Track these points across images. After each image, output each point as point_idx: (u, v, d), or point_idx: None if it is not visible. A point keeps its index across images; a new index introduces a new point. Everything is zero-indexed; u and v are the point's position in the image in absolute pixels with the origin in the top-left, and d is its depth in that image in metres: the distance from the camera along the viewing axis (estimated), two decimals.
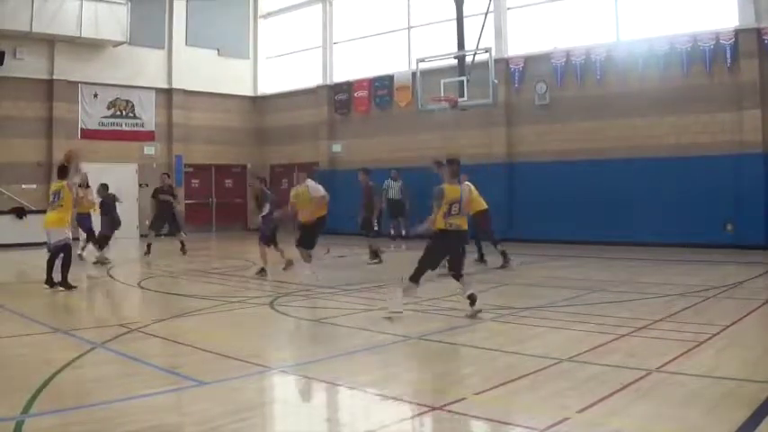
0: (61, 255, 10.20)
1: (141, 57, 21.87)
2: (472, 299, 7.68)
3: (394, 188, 17.90)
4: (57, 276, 10.18)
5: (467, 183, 9.34)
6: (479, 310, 7.66)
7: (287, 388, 5.53)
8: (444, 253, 8.26)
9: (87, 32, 19.87)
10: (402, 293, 7.88)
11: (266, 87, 25.12)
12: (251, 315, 8.57)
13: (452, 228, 7.82)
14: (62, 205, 10.40)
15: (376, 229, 14.50)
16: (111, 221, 14.59)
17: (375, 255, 13.59)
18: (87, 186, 14.32)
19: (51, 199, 10.53)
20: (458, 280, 7.96)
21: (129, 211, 21.44)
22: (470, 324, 7.47)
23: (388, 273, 12.35)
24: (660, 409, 4.46)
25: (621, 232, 15.58)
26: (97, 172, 20.76)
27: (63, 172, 10.82)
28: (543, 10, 17.84)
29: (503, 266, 12.11)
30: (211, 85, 23.50)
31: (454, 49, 14.51)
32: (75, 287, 10.31)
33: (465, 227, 8.03)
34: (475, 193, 10.87)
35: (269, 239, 12.26)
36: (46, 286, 10.15)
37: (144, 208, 21.92)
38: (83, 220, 14.29)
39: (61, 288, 10.14)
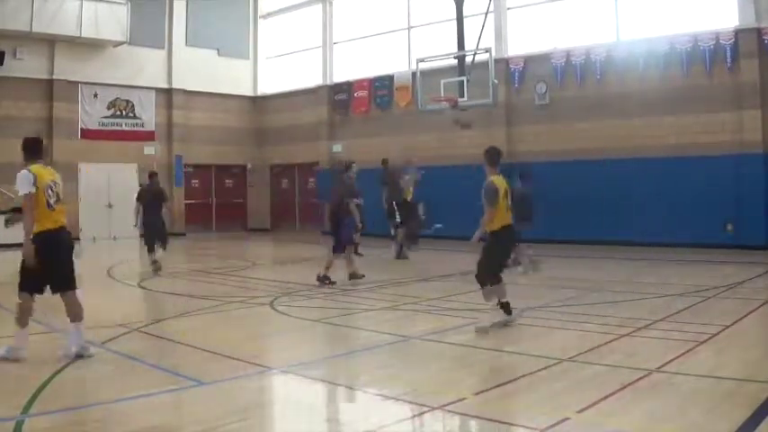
0: None
1: (141, 57, 21.86)
2: None
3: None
4: None
5: None
6: None
7: (287, 388, 5.53)
8: None
9: (87, 32, 19.88)
10: None
11: (266, 87, 25.12)
12: (251, 315, 8.57)
13: None
14: None
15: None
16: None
17: None
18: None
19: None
20: None
21: (130, 210, 21.46)
22: (470, 324, 7.46)
23: (388, 273, 12.36)
24: (660, 409, 4.46)
25: (621, 232, 15.58)
26: (97, 172, 20.99)
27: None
28: (543, 10, 17.84)
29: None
30: (211, 85, 23.50)
31: (454, 49, 14.52)
32: None
33: None
34: None
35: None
36: None
37: None
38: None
39: None
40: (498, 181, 7.25)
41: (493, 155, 7.43)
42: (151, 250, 12.67)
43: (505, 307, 7.20)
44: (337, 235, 10.69)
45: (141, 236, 12.84)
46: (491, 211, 7.10)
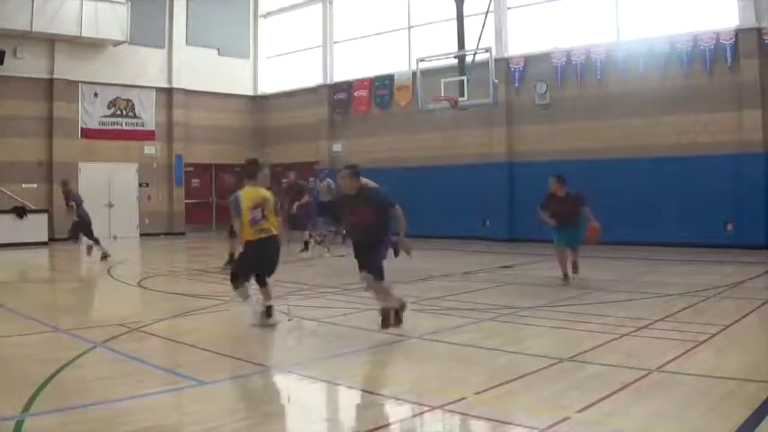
0: None
1: (141, 56, 21.87)
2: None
3: None
4: None
5: None
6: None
7: (287, 388, 5.53)
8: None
9: (87, 32, 19.89)
10: None
11: (266, 87, 25.11)
12: (251, 315, 8.55)
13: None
14: None
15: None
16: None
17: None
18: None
19: None
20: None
21: (130, 210, 21.56)
22: (470, 324, 7.47)
23: (388, 273, 12.34)
24: (660, 408, 4.46)
25: (621, 232, 15.55)
26: (97, 171, 20.98)
27: None
28: (543, 10, 17.84)
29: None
30: (212, 85, 23.51)
31: (454, 48, 14.52)
32: None
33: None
34: None
35: None
36: None
37: (143, 206, 21.98)
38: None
39: None
40: (247, 193, 7.13)
41: (247, 168, 7.40)
42: (97, 242, 14.58)
43: (268, 310, 7.32)
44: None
45: (77, 233, 14.87)
46: (236, 221, 7.19)
